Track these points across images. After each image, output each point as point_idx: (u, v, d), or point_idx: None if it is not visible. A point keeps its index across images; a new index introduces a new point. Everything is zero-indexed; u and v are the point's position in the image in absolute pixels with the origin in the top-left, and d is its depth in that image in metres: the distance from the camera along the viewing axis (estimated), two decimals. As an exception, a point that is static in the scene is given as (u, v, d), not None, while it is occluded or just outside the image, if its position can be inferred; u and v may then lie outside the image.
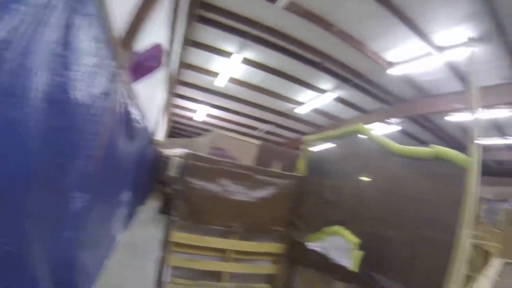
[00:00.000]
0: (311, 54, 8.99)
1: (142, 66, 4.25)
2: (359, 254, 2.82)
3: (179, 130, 20.41)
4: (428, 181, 2.47)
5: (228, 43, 9.16)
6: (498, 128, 12.07)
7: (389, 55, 8.30)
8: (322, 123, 14.51)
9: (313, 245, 3.60)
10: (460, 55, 7.30)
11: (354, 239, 2.96)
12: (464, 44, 6.84)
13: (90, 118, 2.04)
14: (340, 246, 3.13)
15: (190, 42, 9.20)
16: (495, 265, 2.75)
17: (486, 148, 14.52)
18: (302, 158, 4.39)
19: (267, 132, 17.83)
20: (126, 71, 3.14)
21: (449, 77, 8.53)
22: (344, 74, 9.73)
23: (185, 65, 10.93)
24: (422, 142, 15.72)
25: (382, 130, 13.32)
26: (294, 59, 9.40)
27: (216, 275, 3.96)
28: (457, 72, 8.23)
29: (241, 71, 10.80)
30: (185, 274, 3.86)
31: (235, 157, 7.58)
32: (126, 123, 3.56)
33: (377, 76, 9.36)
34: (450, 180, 2.26)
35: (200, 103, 14.89)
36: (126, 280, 3.89)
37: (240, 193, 3.73)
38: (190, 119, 17.76)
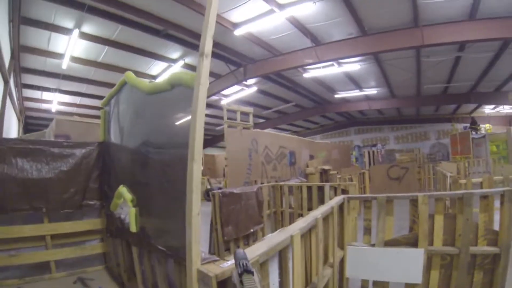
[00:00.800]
0: (153, 22, 8.76)
1: None
2: (133, 211, 2.64)
3: (37, 126, 17.93)
4: (173, 115, 2.34)
5: (66, 17, 8.24)
6: (354, 81, 14.03)
7: (233, 16, 8.58)
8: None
9: (116, 212, 3.45)
10: (302, 12, 8.05)
11: (129, 196, 2.80)
12: (304, 1, 7.51)
13: None
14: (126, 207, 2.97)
15: (27, 21, 7.98)
16: (333, 201, 3.26)
17: (348, 100, 16.91)
18: (101, 122, 4.20)
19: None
20: None
21: (297, 35, 9.36)
22: (191, 40, 9.79)
23: (25, 48, 9.53)
24: (285, 101, 17.21)
25: (240, 93, 14.10)
26: (137, 30, 9.05)
27: (45, 267, 3.70)
28: (304, 29, 9.00)
29: (83, 48, 10.00)
30: (12, 273, 3.52)
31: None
32: None
33: (224, 39, 9.63)
34: (187, 105, 1.93)
35: (53, 91, 13.27)
36: None
37: (37, 170, 3.46)
38: (48, 111, 15.71)
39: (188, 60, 11.20)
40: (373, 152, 19.05)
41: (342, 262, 3.24)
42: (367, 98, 16.71)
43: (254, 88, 14.04)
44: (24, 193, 3.36)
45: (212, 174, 19.25)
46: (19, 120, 12.89)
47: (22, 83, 11.93)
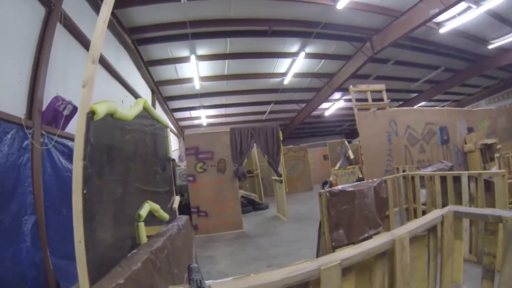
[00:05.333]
0: (256, 25, 8.89)
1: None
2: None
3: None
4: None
5: (180, 49, 9.46)
6: (507, 21, 10.70)
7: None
8: (316, 84, 14.16)
9: None
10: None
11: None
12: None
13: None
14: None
15: (152, 63, 9.78)
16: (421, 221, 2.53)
17: (507, 48, 12.97)
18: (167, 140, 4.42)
19: (272, 112, 17.78)
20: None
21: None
22: (301, 29, 9.38)
23: (161, 82, 11.53)
24: (432, 67, 14.46)
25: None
26: (244, 37, 9.34)
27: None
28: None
29: (207, 68, 11.12)
30: None
31: (211, 150, 7.98)
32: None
33: (331, 17, 8.83)
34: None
35: (197, 109, 15.45)
36: None
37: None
38: (200, 125, 18.49)
39: (309, 49, 10.74)
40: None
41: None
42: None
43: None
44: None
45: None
46: (177, 137, 15.80)
47: (170, 109, 14.35)
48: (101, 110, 1.88)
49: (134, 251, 2.30)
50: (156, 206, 2.97)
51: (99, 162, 1.99)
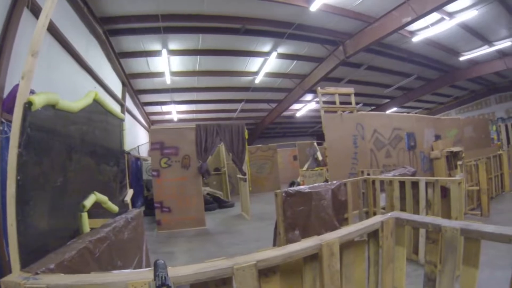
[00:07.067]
0: (229, 23, 8.92)
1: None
2: None
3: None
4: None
5: (152, 42, 9.36)
6: (478, 34, 11.25)
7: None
8: (288, 84, 14.41)
9: None
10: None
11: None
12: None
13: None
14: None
15: (123, 54, 9.65)
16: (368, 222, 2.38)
17: (477, 61, 13.68)
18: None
19: (243, 110, 17.93)
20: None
21: None
22: (275, 30, 9.55)
23: (132, 75, 11.35)
24: (404, 74, 15.00)
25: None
26: (216, 34, 9.37)
27: None
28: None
29: (178, 63, 11.09)
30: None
31: (176, 145, 7.97)
32: None
33: (303, 18, 8.94)
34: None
35: (168, 104, 15.33)
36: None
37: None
38: (171, 121, 18.32)
39: (281, 49, 10.92)
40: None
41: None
42: (502, 54, 12.85)
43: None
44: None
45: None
46: (148, 131, 15.56)
47: (141, 102, 14.14)
48: (39, 101, 1.93)
49: (74, 239, 2.34)
50: (104, 198, 3.01)
51: (36, 150, 2.03)
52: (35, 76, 1.89)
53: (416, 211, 4.38)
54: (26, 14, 3.85)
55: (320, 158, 13.49)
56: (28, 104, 1.86)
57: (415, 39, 10.50)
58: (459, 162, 7.74)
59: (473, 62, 14.00)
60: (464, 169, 6.92)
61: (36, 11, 4.05)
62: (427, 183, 4.35)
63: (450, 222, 2.08)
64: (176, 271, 1.51)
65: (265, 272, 1.72)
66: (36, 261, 1.86)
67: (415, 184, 4.57)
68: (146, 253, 3.76)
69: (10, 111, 3.62)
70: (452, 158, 8.90)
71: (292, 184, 13.41)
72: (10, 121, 3.44)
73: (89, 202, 2.67)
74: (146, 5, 7.57)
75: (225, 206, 10.81)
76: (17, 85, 3.63)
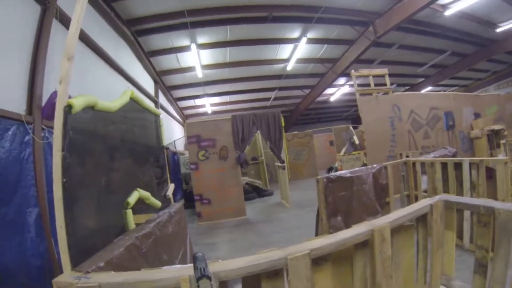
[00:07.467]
0: (255, 12, 8.74)
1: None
2: None
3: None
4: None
5: (180, 38, 9.44)
6: None
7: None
8: (320, 69, 14.01)
9: None
10: None
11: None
12: None
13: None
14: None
15: (152, 53, 9.82)
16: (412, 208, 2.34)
17: None
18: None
19: (277, 98, 17.71)
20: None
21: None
22: (302, 15, 9.25)
23: (163, 72, 11.55)
24: (438, 51, 14.06)
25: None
26: (244, 24, 9.20)
27: None
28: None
29: (209, 56, 11.08)
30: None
31: (213, 137, 8.08)
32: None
33: (330, 1, 8.69)
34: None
35: (201, 97, 15.52)
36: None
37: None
38: (206, 113, 18.60)
39: (310, 34, 10.55)
40: None
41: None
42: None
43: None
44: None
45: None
46: (183, 126, 15.93)
47: (174, 98, 14.41)
48: (78, 103, 1.96)
49: (121, 237, 2.41)
50: (147, 194, 3.07)
51: (79, 152, 2.08)
52: (70, 82, 1.93)
53: (460, 193, 4.15)
54: (55, 25, 3.98)
55: (357, 142, 13.10)
56: (68, 108, 1.90)
57: (448, 12, 9.69)
58: (502, 141, 7.22)
59: (511, 33, 12.73)
60: (507, 148, 6.42)
61: (64, 21, 4.21)
62: (471, 164, 4.12)
63: (504, 204, 1.90)
64: (227, 265, 1.48)
65: (317, 260, 1.66)
66: (86, 260, 1.92)
67: (457, 166, 4.33)
68: (190, 246, 3.83)
69: (50, 117, 3.81)
70: (493, 137, 8.41)
71: (330, 169, 13.18)
72: (51, 127, 3.66)
73: (132, 199, 2.73)
74: (171, 3, 7.59)
75: (265, 195, 10.84)
76: (54, 92, 3.83)
